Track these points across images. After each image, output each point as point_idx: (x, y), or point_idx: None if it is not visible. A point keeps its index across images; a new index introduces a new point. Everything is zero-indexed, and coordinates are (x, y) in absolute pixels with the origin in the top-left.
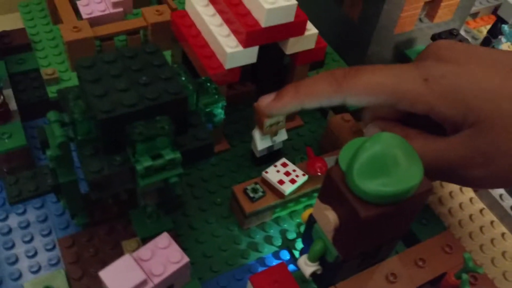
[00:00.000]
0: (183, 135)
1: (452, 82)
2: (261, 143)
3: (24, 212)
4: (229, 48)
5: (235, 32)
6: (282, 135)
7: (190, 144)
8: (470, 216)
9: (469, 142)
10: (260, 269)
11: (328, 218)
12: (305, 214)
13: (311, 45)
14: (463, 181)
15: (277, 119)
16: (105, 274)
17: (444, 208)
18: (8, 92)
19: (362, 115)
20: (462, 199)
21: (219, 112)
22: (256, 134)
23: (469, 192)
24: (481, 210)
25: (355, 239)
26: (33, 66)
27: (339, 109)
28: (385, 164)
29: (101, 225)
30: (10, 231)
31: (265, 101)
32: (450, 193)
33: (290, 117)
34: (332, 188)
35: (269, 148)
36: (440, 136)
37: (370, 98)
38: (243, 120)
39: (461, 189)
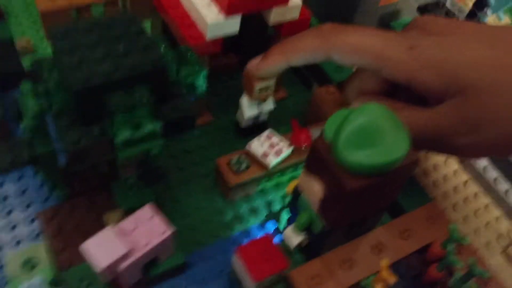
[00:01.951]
0: (163, 106)
1: (436, 51)
2: (248, 110)
3: (1, 185)
4: (210, 18)
5: (216, 0)
6: (269, 104)
7: (170, 115)
8: (454, 188)
9: (455, 111)
10: (246, 240)
11: (314, 189)
12: (291, 186)
13: (295, 15)
14: (450, 150)
15: (267, 84)
16: (87, 246)
17: (428, 180)
18: None
19: (345, 91)
20: (446, 171)
21: (201, 83)
22: (244, 101)
23: (453, 165)
24: (464, 182)
25: (341, 210)
26: (6, 35)
27: (324, 81)
28: (371, 135)
29: (82, 197)
30: None
31: (253, 63)
32: (434, 165)
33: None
34: (318, 160)
35: (255, 119)
36: (426, 107)
37: (355, 57)
38: (226, 91)
39: (445, 162)
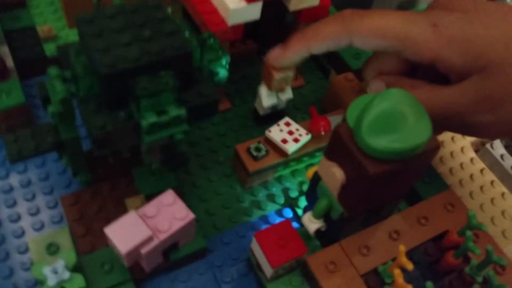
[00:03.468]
0: (187, 91)
1: (461, 28)
2: (267, 99)
3: (25, 171)
4: (232, 4)
5: None
6: (288, 93)
7: (194, 101)
8: (471, 175)
9: (478, 87)
10: (264, 226)
11: (335, 175)
12: (310, 172)
13: (315, 2)
14: (470, 129)
15: (286, 74)
16: (111, 230)
17: (445, 168)
18: (4, 49)
19: (363, 72)
20: (463, 159)
21: (223, 70)
22: (263, 90)
23: (469, 152)
24: (481, 170)
25: (361, 196)
26: (28, 23)
27: (342, 68)
28: (393, 121)
29: (104, 183)
30: (11, 189)
31: (274, 54)
32: (451, 153)
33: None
34: (340, 145)
35: (273, 107)
36: (446, 85)
37: (377, 41)
38: (244, 79)
39: (462, 149)
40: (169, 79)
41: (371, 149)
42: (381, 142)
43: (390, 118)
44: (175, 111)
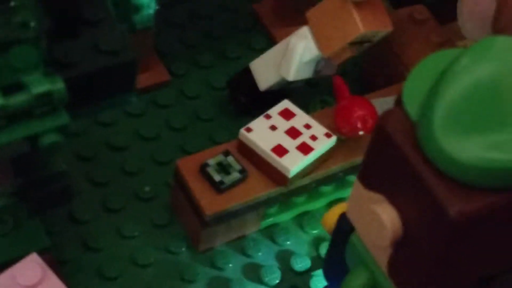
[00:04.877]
0: (70, 42)
1: None
2: (298, 69)
3: None
4: None
5: None
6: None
7: (85, 63)
8: None
9: None
10: None
11: (381, 219)
12: (331, 216)
13: None
14: None
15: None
16: None
17: None
18: None
19: None
20: None
21: None
22: (300, 48)
23: None
24: None
25: (434, 263)
26: None
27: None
28: (499, 105)
29: None
30: None
31: None
32: None
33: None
34: (390, 157)
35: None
36: None
37: None
38: (197, 18)
39: None
40: (28, 15)
41: (455, 162)
42: (474, 148)
43: (492, 98)
44: (42, 85)
